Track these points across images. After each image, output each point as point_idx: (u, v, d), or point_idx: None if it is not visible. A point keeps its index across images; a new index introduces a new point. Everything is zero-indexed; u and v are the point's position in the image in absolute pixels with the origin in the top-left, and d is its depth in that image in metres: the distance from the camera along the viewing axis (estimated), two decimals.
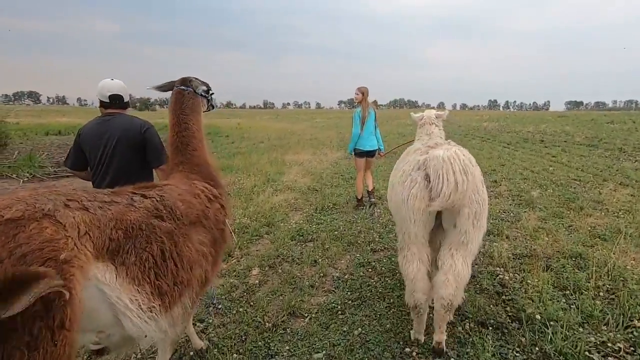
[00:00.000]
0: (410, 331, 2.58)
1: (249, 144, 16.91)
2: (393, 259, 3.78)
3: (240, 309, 2.99)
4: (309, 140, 17.13)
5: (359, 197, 5.92)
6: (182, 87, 2.26)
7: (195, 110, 2.26)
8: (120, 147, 2.59)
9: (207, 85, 2.44)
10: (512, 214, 5.35)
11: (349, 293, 3.23)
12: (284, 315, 2.87)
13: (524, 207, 5.69)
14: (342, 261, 3.87)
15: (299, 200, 6.33)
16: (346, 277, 3.51)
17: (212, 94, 2.50)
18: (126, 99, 2.75)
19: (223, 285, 3.35)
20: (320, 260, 3.84)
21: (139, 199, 1.60)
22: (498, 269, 3.56)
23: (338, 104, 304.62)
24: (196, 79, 2.37)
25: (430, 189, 2.16)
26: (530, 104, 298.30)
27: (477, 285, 3.25)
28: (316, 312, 2.94)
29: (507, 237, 4.38)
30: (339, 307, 3.01)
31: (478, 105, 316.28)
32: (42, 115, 38.83)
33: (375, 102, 6.44)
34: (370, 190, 6.02)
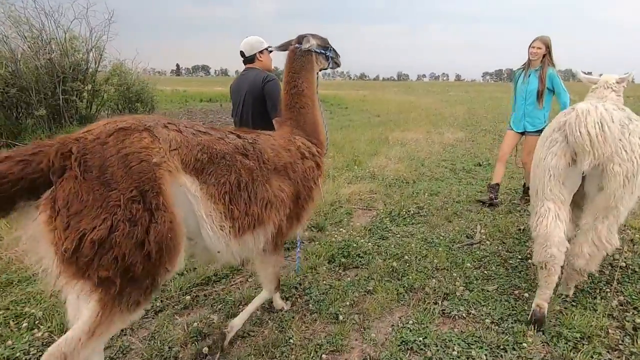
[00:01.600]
0: (535, 299, 2.23)
1: (363, 117, 15.76)
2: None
3: None
4: (429, 116, 14.76)
5: (494, 184, 4.32)
6: (296, 45, 2.22)
7: (305, 68, 2.21)
8: (248, 99, 2.85)
9: (324, 40, 2.31)
10: None
11: None
12: None
13: None
14: (380, 326, 2.27)
15: (377, 195, 4.83)
16: None
17: (331, 49, 2.35)
18: (248, 53, 2.90)
19: None
20: (342, 316, 2.32)
21: (233, 137, 1.77)
22: None
23: (482, 76, 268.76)
24: (313, 35, 2.26)
25: (569, 147, 2.05)
26: None
27: None
28: None
29: None
30: None
31: None
32: (206, 84, 45.60)
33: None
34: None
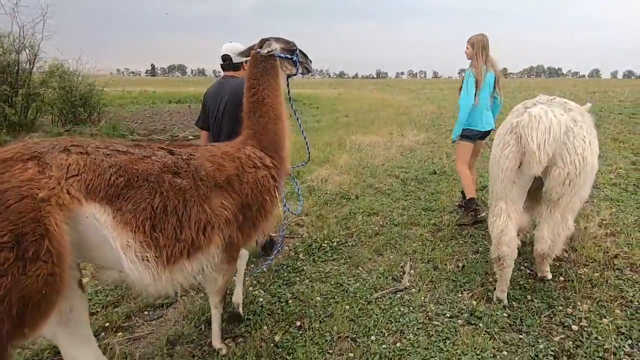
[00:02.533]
0: (494, 291, 2.46)
1: (331, 117, 15.10)
2: None
3: None
4: (398, 116, 14.20)
5: (470, 197, 3.78)
6: (257, 50, 2.03)
7: (267, 74, 2.02)
8: (229, 107, 2.65)
9: (289, 44, 2.11)
10: None
11: None
12: None
13: None
14: None
15: (307, 217, 4.06)
16: None
17: (298, 54, 2.14)
18: (236, 60, 2.72)
19: None
20: None
21: (162, 154, 1.61)
22: None
23: (458, 73, 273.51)
24: (277, 39, 2.06)
25: (520, 150, 2.13)
26: None
27: None
28: None
29: None
30: None
31: None
32: (181, 85, 43.88)
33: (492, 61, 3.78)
34: (474, 195, 3.80)
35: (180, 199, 1.53)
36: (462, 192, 4.11)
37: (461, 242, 3.41)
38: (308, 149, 2.87)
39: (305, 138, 2.80)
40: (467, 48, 3.71)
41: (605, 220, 3.58)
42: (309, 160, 3.01)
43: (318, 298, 2.55)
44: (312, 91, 37.68)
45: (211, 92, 2.82)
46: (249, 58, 2.07)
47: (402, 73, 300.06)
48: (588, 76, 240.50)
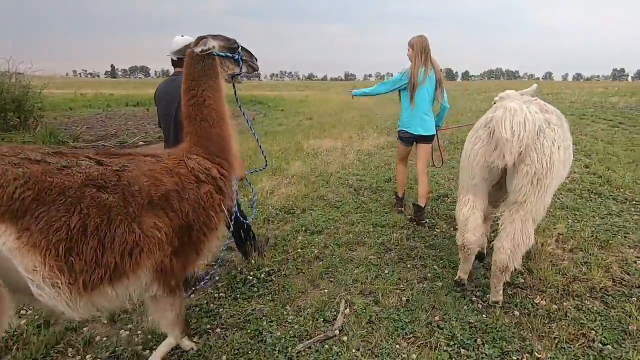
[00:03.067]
0: (458, 272, 2.54)
1: (294, 120, 14.61)
2: None
3: None
4: (361, 117, 13.92)
5: (400, 194, 4.18)
6: (192, 48, 1.85)
7: (205, 74, 1.83)
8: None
9: (229, 42, 1.93)
10: None
11: None
12: None
13: None
14: None
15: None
16: None
17: (240, 52, 1.97)
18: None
19: None
20: None
21: (88, 164, 1.43)
22: None
23: None
24: (215, 36, 1.89)
25: (491, 143, 2.10)
26: None
27: None
28: None
29: None
30: None
31: (597, 76, 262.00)
32: (143, 87, 41.65)
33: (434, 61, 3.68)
34: (421, 203, 3.81)
35: (104, 218, 1.36)
36: (396, 193, 4.29)
37: (409, 265, 2.99)
38: (264, 154, 2.76)
39: (258, 141, 2.67)
40: (408, 50, 3.58)
41: (562, 234, 3.29)
42: (266, 166, 2.91)
43: (224, 358, 2.00)
44: (279, 93, 37.03)
45: (161, 92, 2.63)
46: (185, 57, 1.88)
47: (370, 75, 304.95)
48: (542, 78, 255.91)
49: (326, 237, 3.57)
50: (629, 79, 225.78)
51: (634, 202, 4.12)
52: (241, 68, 1.99)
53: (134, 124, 13.60)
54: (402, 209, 4.12)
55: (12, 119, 10.24)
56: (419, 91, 3.51)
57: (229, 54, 1.92)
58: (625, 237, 3.27)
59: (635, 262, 2.84)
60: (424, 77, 3.49)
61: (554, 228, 3.39)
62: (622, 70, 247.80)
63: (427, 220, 3.81)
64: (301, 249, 3.29)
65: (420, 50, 3.47)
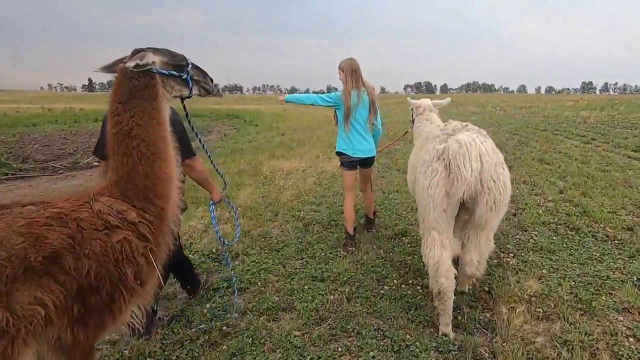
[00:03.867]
0: (439, 325, 2.33)
1: (266, 136, 13.94)
2: None
3: None
4: (333, 134, 13.30)
5: (350, 232, 3.70)
6: (128, 64, 1.44)
7: (137, 96, 1.46)
8: None
9: (176, 57, 1.57)
10: None
11: None
12: None
13: None
14: None
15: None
16: None
17: (190, 70, 1.61)
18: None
19: None
20: None
21: None
22: None
23: (404, 89, 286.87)
24: (157, 50, 1.52)
25: (450, 177, 2.09)
26: (636, 86, 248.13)
27: None
28: None
29: None
30: None
31: (568, 89, 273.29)
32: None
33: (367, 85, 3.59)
34: (370, 216, 4.05)
35: None
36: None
37: (343, 345, 2.27)
38: (221, 175, 2.55)
39: (212, 162, 2.37)
40: (339, 74, 3.47)
41: (535, 296, 2.65)
42: (225, 187, 2.70)
43: None
44: (259, 106, 36.39)
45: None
46: (116, 74, 1.51)
47: None
48: (517, 91, 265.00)
49: (250, 296, 2.83)
50: (597, 91, 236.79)
51: (615, 241, 3.55)
52: (191, 90, 1.64)
53: (85, 142, 12.67)
54: (353, 248, 3.59)
55: None
56: (354, 113, 3.41)
57: (174, 72, 1.56)
58: (610, 294, 2.66)
59: (627, 337, 2.20)
60: (358, 99, 3.40)
61: (526, 286, 2.74)
62: (590, 83, 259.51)
63: (374, 230, 3.95)
64: (210, 319, 2.53)
65: (350, 72, 3.38)
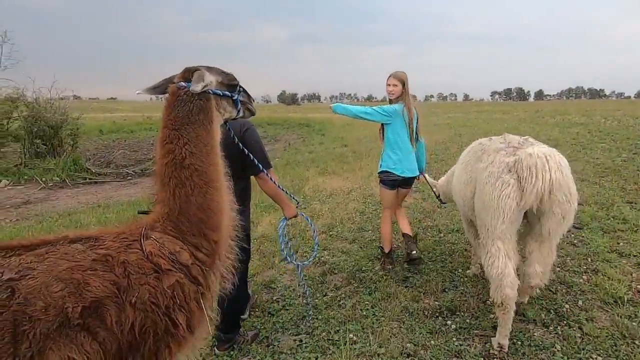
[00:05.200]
0: (492, 338, 2.35)
1: (328, 147, 13.35)
2: None
3: None
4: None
5: (387, 250, 3.38)
6: (180, 84, 1.35)
7: (194, 121, 1.33)
8: None
9: (228, 76, 1.47)
10: None
11: None
12: None
13: None
14: None
15: None
16: None
17: (240, 90, 1.53)
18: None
19: None
20: None
21: None
22: None
23: (491, 96, 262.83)
24: (210, 69, 1.41)
25: (523, 189, 2.10)
26: None
27: None
28: None
29: None
30: None
31: None
32: None
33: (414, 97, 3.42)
34: (410, 233, 3.41)
35: None
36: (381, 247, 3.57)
37: None
38: (287, 192, 2.41)
39: (281, 188, 2.28)
40: (393, 86, 3.22)
41: None
42: (298, 203, 2.65)
43: None
44: (331, 116, 36.29)
45: None
46: (167, 96, 1.35)
47: (432, 96, 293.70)
48: (634, 97, 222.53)
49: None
50: None
51: None
52: (238, 111, 1.52)
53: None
54: (392, 266, 3.39)
55: (39, 146, 10.36)
56: (407, 129, 3.20)
57: (227, 92, 1.44)
58: None
59: None
60: (413, 115, 3.24)
61: None
62: None
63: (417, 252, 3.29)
64: None
65: (407, 85, 3.21)
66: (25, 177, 9.23)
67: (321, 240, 4.12)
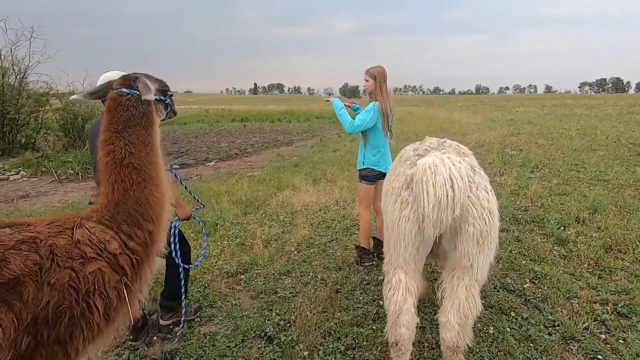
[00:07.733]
0: None
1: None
2: None
3: None
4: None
5: (366, 246, 3.34)
6: (122, 90, 1.46)
7: (136, 124, 1.46)
8: None
9: (161, 83, 1.64)
10: None
11: None
12: None
13: None
14: None
15: None
16: None
17: (171, 95, 1.71)
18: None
19: None
20: None
21: None
22: None
23: (579, 87, 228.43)
24: (148, 76, 1.57)
25: (417, 208, 1.78)
26: None
27: None
28: None
29: None
30: None
31: None
32: (272, 102, 44.61)
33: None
34: (381, 238, 3.09)
35: None
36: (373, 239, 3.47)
37: None
38: (198, 200, 2.48)
39: (186, 188, 2.32)
40: (367, 81, 3.19)
41: None
42: (203, 206, 2.57)
43: None
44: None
45: (91, 132, 2.21)
46: (107, 100, 1.46)
47: (507, 88, 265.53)
48: None
49: None
50: None
51: None
52: (167, 113, 1.65)
53: (206, 142, 13.20)
54: (373, 262, 3.25)
55: (61, 138, 10.55)
56: (383, 125, 3.17)
57: (161, 97, 1.60)
58: None
59: None
60: (390, 109, 3.22)
61: None
62: None
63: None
64: None
65: (382, 80, 3.15)
66: (44, 169, 9.26)
67: (226, 293, 2.77)
